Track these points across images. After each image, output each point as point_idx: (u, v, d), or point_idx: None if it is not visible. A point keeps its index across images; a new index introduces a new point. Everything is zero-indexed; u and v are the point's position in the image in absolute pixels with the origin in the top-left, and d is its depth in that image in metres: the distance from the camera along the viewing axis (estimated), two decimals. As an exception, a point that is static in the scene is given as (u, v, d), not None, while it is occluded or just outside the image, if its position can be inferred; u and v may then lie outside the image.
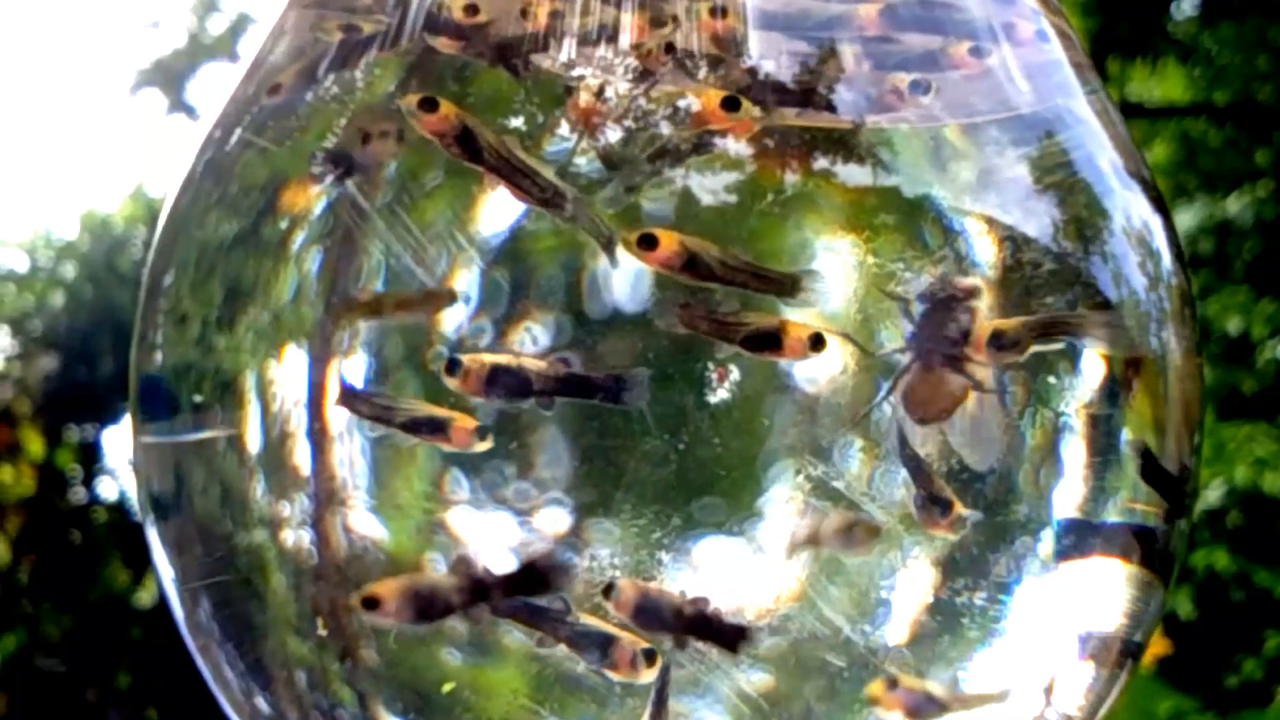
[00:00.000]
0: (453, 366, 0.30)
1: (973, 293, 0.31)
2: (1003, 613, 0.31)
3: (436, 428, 0.30)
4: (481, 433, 0.30)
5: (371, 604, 0.31)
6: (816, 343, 0.30)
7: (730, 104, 0.31)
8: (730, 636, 0.30)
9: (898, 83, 0.32)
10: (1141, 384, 0.33)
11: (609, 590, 0.30)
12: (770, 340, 0.30)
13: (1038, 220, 0.33)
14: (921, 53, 0.33)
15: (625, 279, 0.31)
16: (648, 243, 0.30)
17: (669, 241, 0.30)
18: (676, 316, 0.30)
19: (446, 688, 0.32)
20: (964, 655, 0.32)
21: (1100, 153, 0.34)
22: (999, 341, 0.31)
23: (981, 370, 0.31)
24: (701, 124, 0.31)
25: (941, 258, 0.31)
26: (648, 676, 0.30)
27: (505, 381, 0.30)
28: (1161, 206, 0.35)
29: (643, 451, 0.30)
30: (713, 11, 0.32)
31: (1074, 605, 0.33)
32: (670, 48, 0.31)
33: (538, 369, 0.30)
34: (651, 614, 0.30)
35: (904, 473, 0.31)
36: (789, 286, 0.31)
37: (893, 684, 0.31)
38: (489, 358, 0.30)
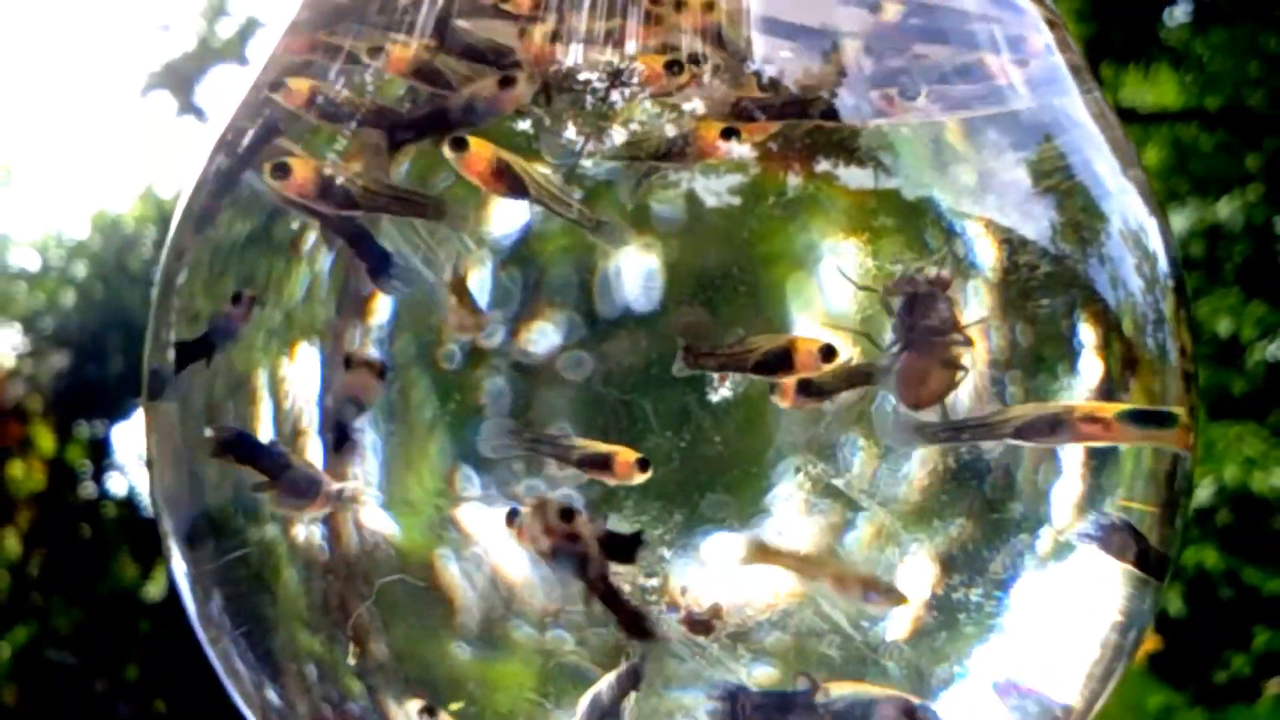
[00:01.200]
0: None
1: (943, 284, 0.31)
2: (1000, 609, 0.31)
3: (603, 463, 0.30)
4: (642, 465, 0.30)
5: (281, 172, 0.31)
6: (828, 354, 0.30)
7: (730, 135, 0.31)
8: (629, 546, 0.30)
9: (888, 89, 0.32)
10: (1138, 384, 0.33)
11: (511, 517, 0.30)
12: (783, 360, 0.30)
13: (1036, 223, 0.33)
14: (958, 65, 0.33)
15: (636, 278, 0.31)
16: (281, 171, 0.31)
17: (303, 169, 0.31)
18: (681, 361, 0.30)
19: (455, 707, 0.32)
20: (961, 651, 0.32)
21: (1097, 156, 0.34)
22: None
23: (963, 352, 0.31)
24: (702, 155, 0.31)
25: (941, 259, 0.31)
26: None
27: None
28: (1157, 209, 0.35)
29: (648, 449, 0.30)
30: (707, 7, 0.32)
31: (1071, 601, 0.33)
32: (675, 66, 0.31)
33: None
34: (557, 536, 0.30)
35: (906, 468, 0.31)
36: (433, 209, 0.31)
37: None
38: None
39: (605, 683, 0.31)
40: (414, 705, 0.31)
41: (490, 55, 0.32)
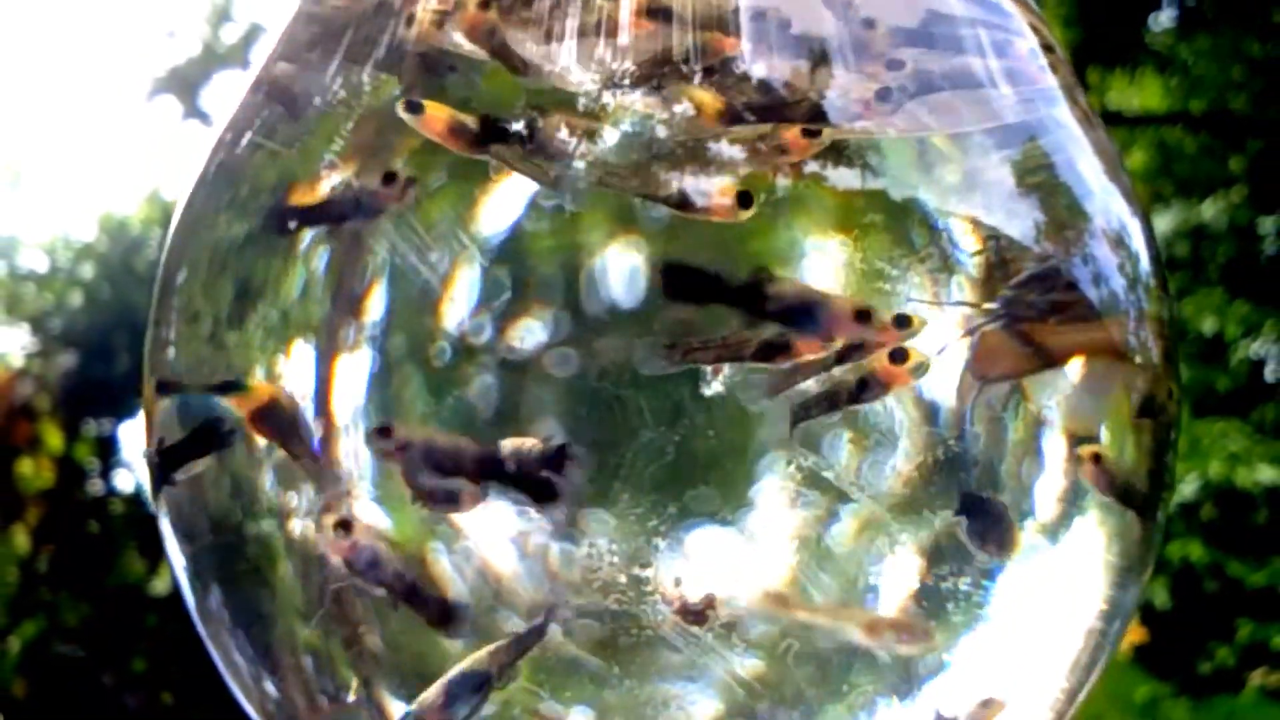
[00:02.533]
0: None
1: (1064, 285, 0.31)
2: (986, 599, 0.31)
3: (785, 346, 0.30)
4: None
5: None
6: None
7: (744, 199, 0.30)
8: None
9: (863, 93, 0.32)
10: (1120, 382, 0.33)
11: (381, 432, 0.30)
12: (781, 345, 0.30)
13: (1020, 222, 0.33)
14: (944, 69, 0.33)
15: (622, 276, 0.30)
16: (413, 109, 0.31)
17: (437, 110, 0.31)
18: (664, 359, 0.30)
19: None
20: (949, 640, 0.32)
21: (1081, 157, 0.34)
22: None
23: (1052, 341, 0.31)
24: (718, 216, 0.30)
25: (926, 256, 0.31)
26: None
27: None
28: (1139, 210, 0.35)
29: (640, 443, 0.30)
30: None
31: (1055, 591, 0.33)
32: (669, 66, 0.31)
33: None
34: (437, 460, 0.30)
35: (891, 461, 0.31)
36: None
37: None
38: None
39: (491, 650, 0.30)
40: (329, 519, 0.31)
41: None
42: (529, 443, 0.30)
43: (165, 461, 0.34)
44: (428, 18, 0.32)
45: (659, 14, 0.31)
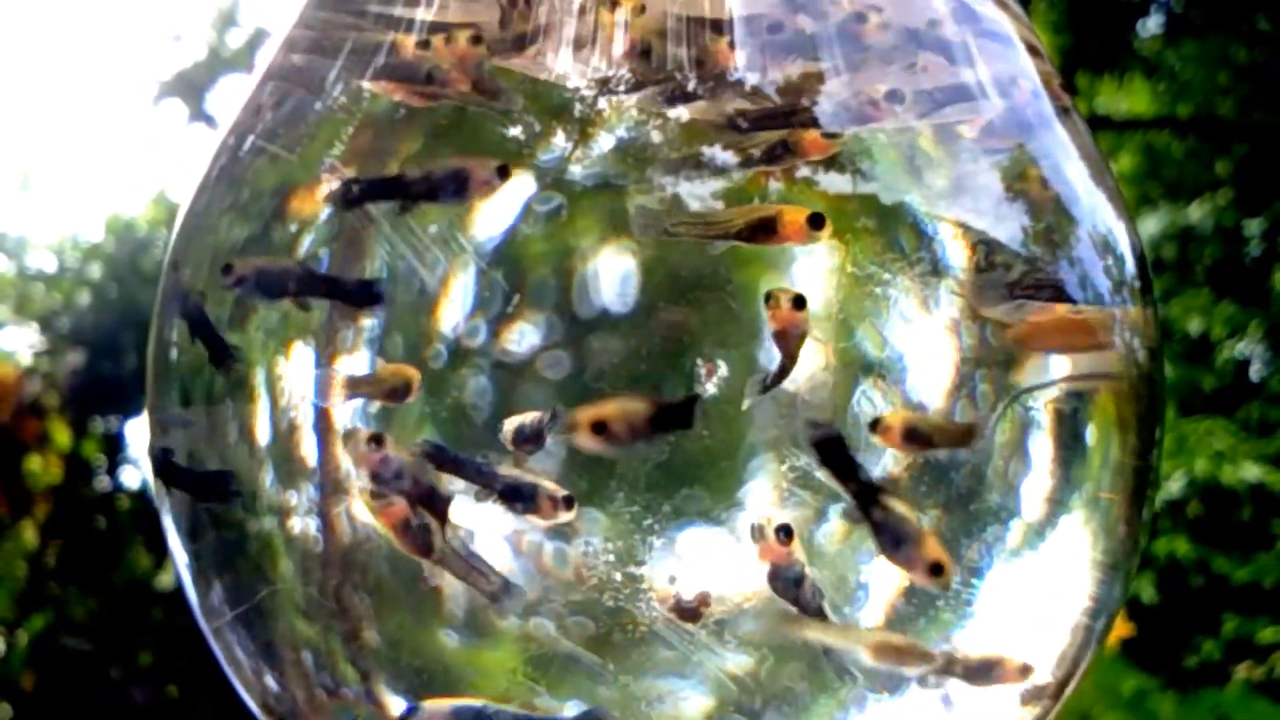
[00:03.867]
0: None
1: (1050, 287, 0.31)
2: (974, 595, 0.31)
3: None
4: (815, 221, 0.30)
5: None
6: (799, 304, 0.30)
7: (816, 221, 0.30)
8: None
9: (873, 93, 0.32)
10: (1106, 381, 0.33)
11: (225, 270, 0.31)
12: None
13: (1008, 225, 0.33)
14: (936, 73, 0.33)
15: (614, 280, 0.30)
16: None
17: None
18: (758, 391, 0.30)
19: None
20: (939, 635, 0.31)
21: (1067, 162, 0.34)
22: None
23: (1098, 320, 0.31)
24: (793, 241, 0.30)
25: (917, 260, 0.31)
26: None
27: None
28: (1125, 213, 0.35)
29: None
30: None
31: (1043, 587, 0.33)
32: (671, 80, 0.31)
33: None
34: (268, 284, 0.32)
35: (882, 463, 0.31)
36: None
37: None
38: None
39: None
40: (363, 434, 0.31)
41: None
42: (530, 415, 0.30)
43: (168, 472, 0.34)
44: (413, 47, 0.32)
45: (643, 54, 0.31)
